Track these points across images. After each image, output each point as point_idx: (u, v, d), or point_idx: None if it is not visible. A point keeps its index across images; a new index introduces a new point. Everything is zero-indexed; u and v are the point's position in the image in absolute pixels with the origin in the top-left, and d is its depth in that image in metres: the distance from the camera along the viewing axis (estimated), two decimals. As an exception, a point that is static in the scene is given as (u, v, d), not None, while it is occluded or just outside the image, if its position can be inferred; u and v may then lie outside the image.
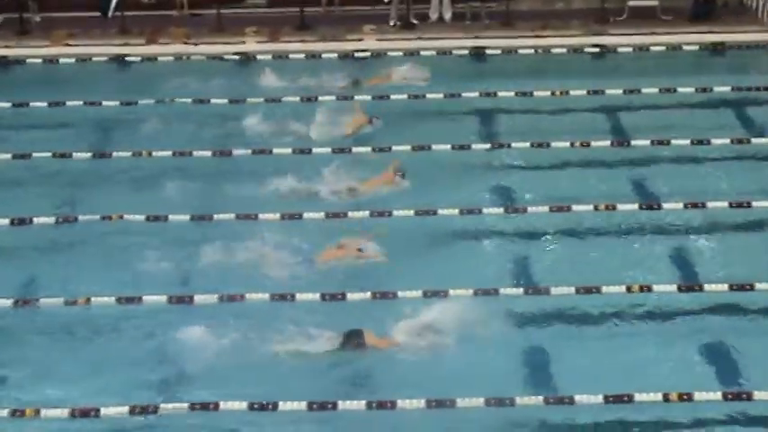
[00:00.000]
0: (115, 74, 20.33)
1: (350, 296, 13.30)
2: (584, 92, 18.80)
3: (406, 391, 11.61)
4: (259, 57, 20.60)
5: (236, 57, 20.64)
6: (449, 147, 16.91)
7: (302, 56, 20.63)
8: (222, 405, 11.50)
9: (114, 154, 16.98)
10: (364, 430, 11.46)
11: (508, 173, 16.39)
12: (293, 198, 15.48)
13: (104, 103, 18.57)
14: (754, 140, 17.15)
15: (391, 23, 21.92)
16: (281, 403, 11.51)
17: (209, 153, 16.93)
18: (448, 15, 21.96)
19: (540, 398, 11.58)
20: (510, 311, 12.91)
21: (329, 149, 16.87)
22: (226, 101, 18.66)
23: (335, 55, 20.63)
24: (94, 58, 20.54)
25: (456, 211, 15.10)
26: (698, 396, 11.52)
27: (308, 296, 13.29)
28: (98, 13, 22.07)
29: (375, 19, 21.93)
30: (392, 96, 18.69)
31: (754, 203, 15.13)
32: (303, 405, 11.50)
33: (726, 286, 13.32)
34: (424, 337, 12.43)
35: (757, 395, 11.53)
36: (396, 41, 21.19)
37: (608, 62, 20.38)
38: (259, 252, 14.06)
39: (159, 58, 20.57)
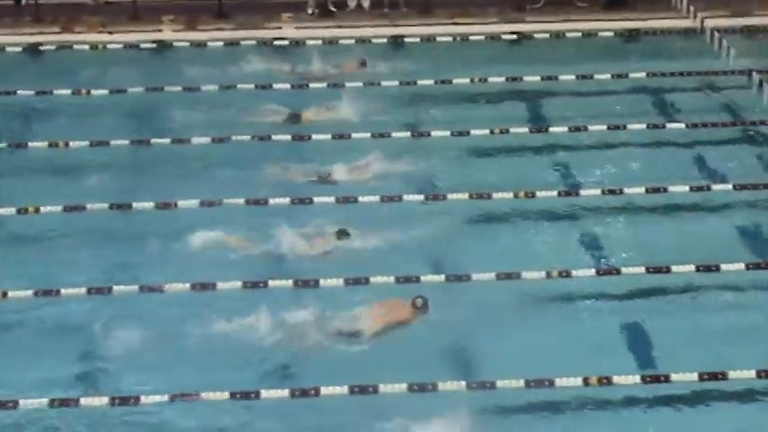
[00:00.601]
0: (29, 63, 20.02)
1: (271, 283, 13.28)
2: (503, 79, 18.91)
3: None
4: (176, 45, 20.43)
5: (153, 45, 20.43)
6: (368, 135, 16.93)
7: (220, 44, 20.49)
8: (143, 399, 11.41)
9: (30, 144, 16.75)
10: (288, 419, 11.45)
11: (428, 160, 16.42)
12: (212, 186, 15.40)
13: (19, 92, 18.28)
14: (669, 126, 17.40)
15: (309, 11, 21.84)
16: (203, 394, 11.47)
17: (126, 142, 16.77)
18: (366, 3, 21.94)
19: (463, 383, 11.67)
20: (431, 298, 12.95)
21: (248, 137, 16.81)
22: (143, 89, 18.47)
23: (254, 42, 20.52)
24: (8, 48, 20.19)
25: (377, 198, 15.13)
26: (617, 379, 11.68)
27: (230, 285, 13.24)
28: (11, 1, 21.69)
29: (293, 7, 21.85)
30: (312, 86, 18.65)
31: (670, 188, 15.35)
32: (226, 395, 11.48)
33: (643, 269, 13.52)
34: (345, 324, 12.48)
35: (675, 377, 11.71)
36: (314, 29, 21.13)
37: (525, 49, 20.51)
38: (180, 241, 13.99)
39: (74, 47, 20.28)
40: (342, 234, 13.94)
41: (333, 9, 21.85)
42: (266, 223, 14.38)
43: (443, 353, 12.30)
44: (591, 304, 13.18)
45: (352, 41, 20.52)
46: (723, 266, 13.54)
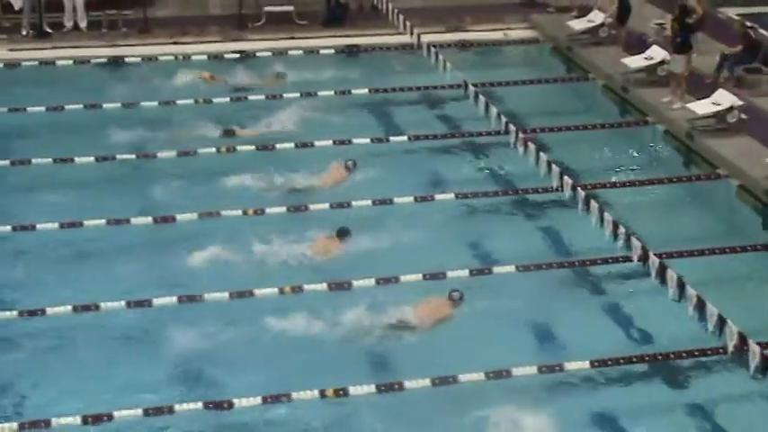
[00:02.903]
0: None
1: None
2: (227, 99, 18.90)
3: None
4: None
5: None
6: (92, 159, 16.57)
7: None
8: None
9: None
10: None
11: (155, 183, 16.20)
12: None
13: None
14: (392, 139, 17.78)
15: (24, 33, 21.18)
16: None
17: None
18: (83, 24, 21.45)
19: (200, 404, 11.59)
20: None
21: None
22: None
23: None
24: None
25: (103, 221, 14.83)
26: (353, 390, 11.82)
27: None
28: None
29: (6, 28, 21.17)
30: (29, 109, 18.09)
31: (396, 200, 15.67)
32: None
33: (373, 281, 13.70)
34: None
35: (408, 385, 11.91)
36: (29, 51, 20.51)
37: (249, 67, 20.52)
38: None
39: None
40: None
41: (48, 30, 21.25)
42: None
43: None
44: (311, 314, 13.20)
45: (70, 62, 20.04)
46: (449, 273, 13.92)
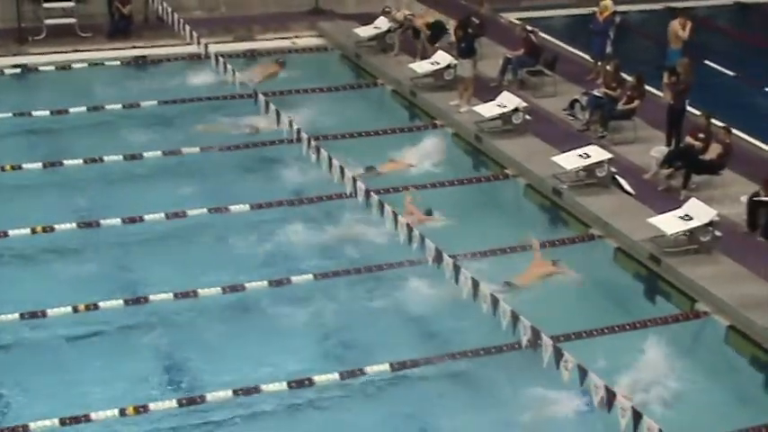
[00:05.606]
0: None
1: None
2: (10, 114, 18.33)
3: None
4: None
5: None
6: None
7: None
8: None
9: None
10: None
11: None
12: None
13: None
14: (185, 150, 17.53)
15: None
16: None
17: None
18: None
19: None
20: None
21: None
22: None
23: None
24: None
25: None
26: (153, 406, 11.67)
27: None
28: None
29: None
30: None
31: (189, 212, 15.49)
32: None
33: (171, 295, 13.54)
34: None
35: (210, 397, 11.85)
36: None
37: (31, 82, 19.97)
38: None
39: None
40: None
41: None
42: None
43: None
44: (119, 337, 13.03)
45: None
46: (248, 285, 13.84)
